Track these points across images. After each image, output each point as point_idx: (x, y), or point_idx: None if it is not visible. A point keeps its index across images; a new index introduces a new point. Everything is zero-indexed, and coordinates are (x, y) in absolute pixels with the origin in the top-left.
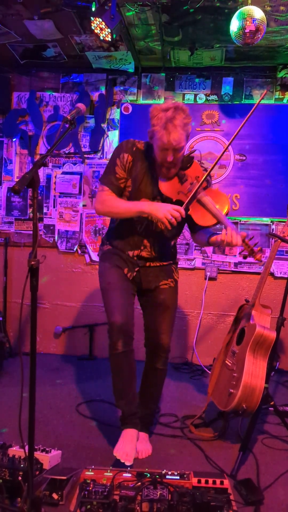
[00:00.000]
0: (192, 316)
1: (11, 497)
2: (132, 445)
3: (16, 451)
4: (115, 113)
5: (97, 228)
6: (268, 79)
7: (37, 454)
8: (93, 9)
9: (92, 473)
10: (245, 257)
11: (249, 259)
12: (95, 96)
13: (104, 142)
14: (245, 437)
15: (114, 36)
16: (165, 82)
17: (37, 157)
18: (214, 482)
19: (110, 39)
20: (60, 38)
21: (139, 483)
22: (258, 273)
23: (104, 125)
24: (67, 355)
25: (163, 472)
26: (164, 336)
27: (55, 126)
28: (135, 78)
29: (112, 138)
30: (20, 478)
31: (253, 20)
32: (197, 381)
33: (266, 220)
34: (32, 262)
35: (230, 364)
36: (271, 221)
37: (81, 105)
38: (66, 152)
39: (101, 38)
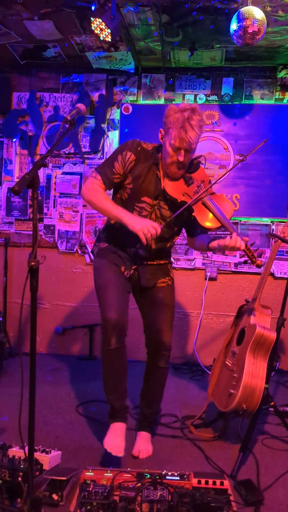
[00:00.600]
0: (192, 316)
1: (11, 498)
2: (121, 437)
3: (16, 452)
4: (115, 114)
5: (97, 229)
6: (268, 80)
7: (37, 455)
8: (93, 9)
9: (92, 473)
10: (245, 262)
11: None
12: (95, 96)
13: (104, 143)
14: (245, 437)
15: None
16: (165, 83)
17: (37, 158)
18: (214, 483)
19: (110, 40)
20: (60, 39)
21: (139, 484)
22: (258, 274)
23: (104, 126)
24: (67, 355)
25: (163, 472)
26: (165, 334)
27: (55, 126)
28: (135, 79)
29: (112, 138)
30: (20, 478)
31: (253, 21)
32: (197, 382)
33: (266, 220)
34: (32, 263)
35: (230, 365)
36: (271, 221)
37: (81, 106)
38: (66, 152)
39: (101, 38)
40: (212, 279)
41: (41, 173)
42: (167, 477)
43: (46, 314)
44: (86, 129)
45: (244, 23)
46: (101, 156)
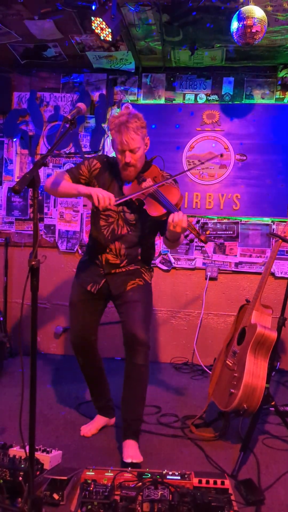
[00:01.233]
0: (192, 316)
1: (11, 498)
2: (94, 425)
3: (16, 452)
4: (115, 113)
5: None
6: (269, 79)
7: (38, 454)
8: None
9: (93, 473)
10: (191, 241)
11: (249, 259)
12: (95, 96)
13: (104, 142)
14: (245, 437)
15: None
16: (166, 82)
17: (38, 157)
18: (215, 482)
19: (110, 39)
20: (60, 38)
21: (140, 483)
22: (259, 273)
23: (104, 125)
24: (67, 355)
25: (164, 472)
26: (138, 329)
27: (56, 126)
28: (135, 78)
29: None
30: (20, 478)
31: (254, 20)
32: (198, 381)
33: (266, 220)
34: (33, 262)
35: (231, 364)
36: (272, 221)
37: (81, 105)
38: (67, 152)
39: (102, 38)
40: (212, 278)
41: (42, 172)
42: (168, 477)
43: (46, 314)
44: (87, 128)
45: (244, 22)
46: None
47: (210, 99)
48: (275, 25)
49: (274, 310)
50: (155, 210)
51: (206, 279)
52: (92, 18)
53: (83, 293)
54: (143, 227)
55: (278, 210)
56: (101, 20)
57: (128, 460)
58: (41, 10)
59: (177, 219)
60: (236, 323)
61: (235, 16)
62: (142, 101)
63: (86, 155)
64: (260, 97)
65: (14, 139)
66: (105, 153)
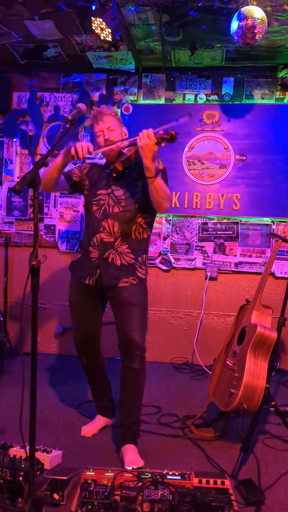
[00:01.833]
0: (192, 316)
1: (12, 498)
2: (95, 425)
3: (17, 451)
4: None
5: None
6: (269, 79)
7: (38, 454)
8: (94, 8)
9: (93, 473)
10: (159, 143)
11: (249, 259)
12: (95, 96)
13: None
14: (246, 437)
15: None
16: (166, 82)
17: (38, 157)
18: (215, 482)
19: (110, 39)
20: (60, 38)
21: (140, 483)
22: (259, 273)
23: None
24: (67, 355)
25: (164, 472)
26: (133, 333)
27: (56, 126)
28: (135, 78)
29: None
30: (21, 478)
31: (254, 20)
32: (198, 381)
33: (266, 220)
34: (33, 262)
35: (231, 364)
36: (272, 221)
37: (82, 105)
38: None
39: (102, 38)
40: (212, 278)
41: (42, 172)
42: (168, 477)
43: (46, 314)
44: (87, 128)
45: (244, 23)
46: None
47: (210, 99)
48: (275, 25)
49: (274, 310)
50: (129, 152)
51: (206, 279)
52: (92, 18)
53: (81, 291)
54: (133, 201)
55: (278, 210)
56: (101, 20)
57: (130, 467)
58: (41, 10)
59: (144, 133)
60: (236, 323)
61: (235, 16)
62: (142, 101)
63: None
64: (260, 97)
65: (14, 139)
66: None
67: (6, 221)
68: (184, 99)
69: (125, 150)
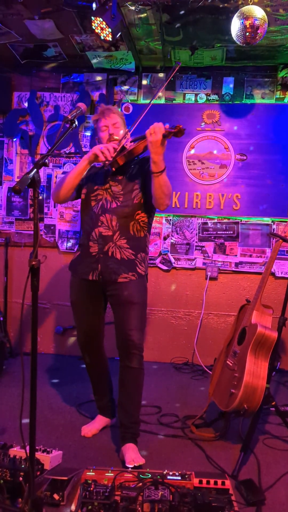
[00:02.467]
0: (193, 316)
1: (12, 498)
2: (95, 425)
3: (17, 452)
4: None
5: None
6: (269, 79)
7: (38, 455)
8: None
9: (93, 473)
10: (166, 137)
11: (250, 259)
12: (95, 96)
13: None
14: (246, 437)
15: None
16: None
17: (38, 157)
18: (215, 483)
19: (110, 39)
20: (60, 38)
21: (140, 484)
22: (259, 273)
23: None
24: (67, 355)
25: (164, 472)
26: (132, 332)
27: (56, 126)
28: (135, 78)
29: None
30: (21, 478)
31: (254, 20)
32: (198, 381)
33: (267, 220)
34: (33, 262)
35: (231, 364)
36: (272, 221)
37: (82, 105)
38: (67, 152)
39: (102, 37)
40: (212, 278)
41: (42, 172)
42: (168, 477)
43: (46, 314)
44: (87, 128)
45: (244, 22)
46: None
47: (210, 99)
48: (275, 25)
49: (275, 310)
50: (132, 146)
51: (206, 279)
52: (92, 18)
53: (82, 290)
54: (131, 197)
55: (278, 210)
56: (101, 20)
57: (131, 465)
58: (41, 10)
59: (153, 125)
60: (236, 323)
61: (235, 16)
62: (142, 101)
63: None
64: (260, 97)
65: (14, 139)
66: None
67: (6, 221)
68: (184, 98)
69: (127, 146)
